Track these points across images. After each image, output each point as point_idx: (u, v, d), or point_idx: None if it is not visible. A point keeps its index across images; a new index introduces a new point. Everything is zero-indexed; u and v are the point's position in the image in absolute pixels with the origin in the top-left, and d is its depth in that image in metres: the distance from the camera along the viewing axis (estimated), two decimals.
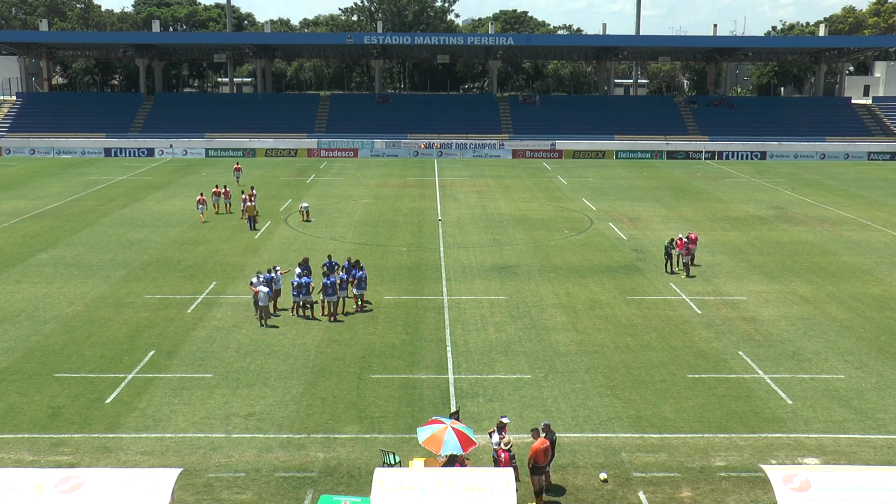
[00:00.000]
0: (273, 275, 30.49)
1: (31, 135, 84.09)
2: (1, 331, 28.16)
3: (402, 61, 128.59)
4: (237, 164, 69.06)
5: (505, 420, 18.43)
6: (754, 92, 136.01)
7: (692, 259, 36.62)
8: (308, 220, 47.89)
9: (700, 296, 33.00)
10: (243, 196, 49.34)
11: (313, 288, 29.95)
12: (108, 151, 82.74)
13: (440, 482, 14.00)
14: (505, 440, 18.02)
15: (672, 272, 36.39)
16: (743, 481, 18.57)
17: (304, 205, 49.35)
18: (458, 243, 42.50)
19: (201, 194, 49.82)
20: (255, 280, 29.69)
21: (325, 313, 29.66)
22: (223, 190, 51.53)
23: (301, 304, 29.81)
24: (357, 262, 31.57)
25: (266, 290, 28.78)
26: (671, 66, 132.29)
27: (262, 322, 28.73)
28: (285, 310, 30.22)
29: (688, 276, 35.82)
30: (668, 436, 20.75)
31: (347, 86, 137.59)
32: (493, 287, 34.10)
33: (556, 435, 18.77)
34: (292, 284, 29.86)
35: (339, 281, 29.58)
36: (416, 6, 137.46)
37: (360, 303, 30.73)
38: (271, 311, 29.59)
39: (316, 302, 30.13)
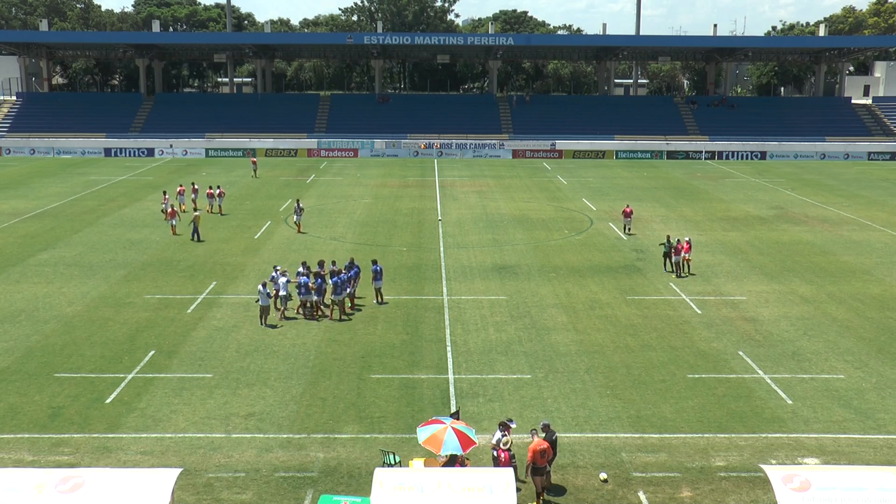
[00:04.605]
0: (274, 274, 30.47)
1: (31, 135, 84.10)
2: (1, 331, 28.16)
3: (402, 61, 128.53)
4: (253, 158, 71.73)
5: (512, 425, 18.41)
6: (754, 92, 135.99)
7: (682, 265, 36.27)
8: (302, 232, 44.57)
9: (700, 296, 33.00)
10: (210, 191, 50.60)
11: (317, 289, 29.83)
12: (108, 151, 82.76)
13: (440, 482, 13.99)
14: (505, 440, 18.03)
15: (670, 271, 36.43)
16: (743, 481, 18.57)
17: (299, 207, 45.26)
18: (458, 243, 42.50)
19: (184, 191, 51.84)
20: (285, 279, 29.86)
21: (328, 314, 29.74)
22: (217, 190, 51.58)
23: (302, 303, 29.80)
24: (351, 260, 31.86)
25: (264, 290, 28.74)
26: (671, 66, 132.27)
27: (262, 321, 28.73)
28: (295, 318, 29.99)
29: (678, 276, 35.85)
30: (668, 436, 20.75)
31: (347, 86, 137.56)
32: (493, 287, 34.10)
33: (557, 435, 18.76)
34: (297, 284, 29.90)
35: (340, 281, 29.66)
36: (416, 6, 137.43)
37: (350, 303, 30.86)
38: (273, 311, 29.43)
39: (326, 305, 30.19)
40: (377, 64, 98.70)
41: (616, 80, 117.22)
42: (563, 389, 23.51)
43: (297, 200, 47.30)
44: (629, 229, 45.37)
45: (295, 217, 45.32)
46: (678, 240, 36.88)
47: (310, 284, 29.64)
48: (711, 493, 18.09)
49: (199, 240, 42.30)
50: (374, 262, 31.85)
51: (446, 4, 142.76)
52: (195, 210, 45.25)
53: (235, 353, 26.20)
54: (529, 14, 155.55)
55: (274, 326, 28.68)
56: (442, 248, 41.27)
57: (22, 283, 34.31)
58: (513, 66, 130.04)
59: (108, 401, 22.47)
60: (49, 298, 31.99)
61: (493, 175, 70.22)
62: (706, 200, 57.18)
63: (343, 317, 29.69)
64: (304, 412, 21.90)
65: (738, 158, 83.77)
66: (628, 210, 45.70)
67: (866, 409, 22.47)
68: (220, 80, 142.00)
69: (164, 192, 50.66)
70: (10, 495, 13.60)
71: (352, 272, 30.82)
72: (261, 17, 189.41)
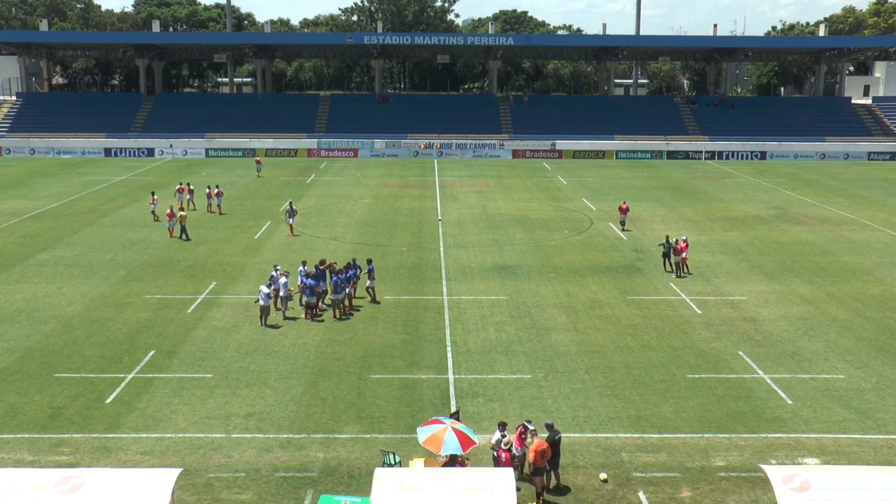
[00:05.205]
0: (274, 274, 30.48)
1: (31, 135, 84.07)
2: (1, 331, 28.16)
3: (402, 61, 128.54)
4: (257, 157, 72.21)
5: (530, 426, 18.32)
6: (754, 92, 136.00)
7: (683, 265, 36.28)
8: (294, 235, 43.81)
9: (700, 296, 33.00)
10: (207, 191, 51.44)
11: (312, 289, 29.85)
12: (108, 151, 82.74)
13: (440, 482, 13.99)
14: (506, 440, 18.03)
15: (670, 271, 36.42)
16: (743, 481, 18.57)
17: (291, 210, 44.28)
18: (458, 243, 42.50)
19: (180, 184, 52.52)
20: (303, 278, 30.08)
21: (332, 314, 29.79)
22: (216, 190, 51.68)
23: (307, 305, 29.73)
24: (353, 260, 31.89)
25: (266, 290, 28.71)
26: (671, 66, 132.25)
27: (263, 321, 28.70)
28: (295, 318, 30.06)
29: (678, 276, 35.85)
30: (668, 436, 20.75)
31: (347, 86, 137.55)
32: (493, 287, 34.09)
33: (561, 434, 18.65)
34: (302, 284, 29.85)
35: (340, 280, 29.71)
36: (416, 6, 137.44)
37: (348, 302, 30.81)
38: (274, 311, 29.37)
39: (328, 306, 30.18)
40: (377, 64, 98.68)
41: (616, 80, 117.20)
42: (563, 389, 23.51)
43: (291, 203, 46.55)
44: (625, 225, 46.24)
45: (289, 220, 44.26)
46: (676, 239, 36.89)
47: (316, 287, 29.57)
48: (711, 493, 18.09)
49: (187, 238, 42.33)
50: (369, 262, 31.93)
51: (446, 4, 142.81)
52: (181, 210, 45.04)
53: (235, 353, 26.20)
54: (529, 14, 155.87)
55: (274, 326, 28.68)
56: (442, 248, 41.27)
57: (22, 283, 34.31)
58: (513, 66, 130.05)
59: (108, 401, 22.47)
60: (49, 298, 31.99)
61: (493, 175, 70.22)
62: (706, 200, 57.18)
63: (343, 316, 29.71)
64: (304, 412, 21.90)
65: (738, 158, 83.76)
66: (624, 206, 46.78)
67: (866, 409, 22.47)
68: (220, 80, 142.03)
69: (153, 193, 50.21)
70: (10, 495, 13.60)
71: (351, 272, 30.83)
72: (261, 17, 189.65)
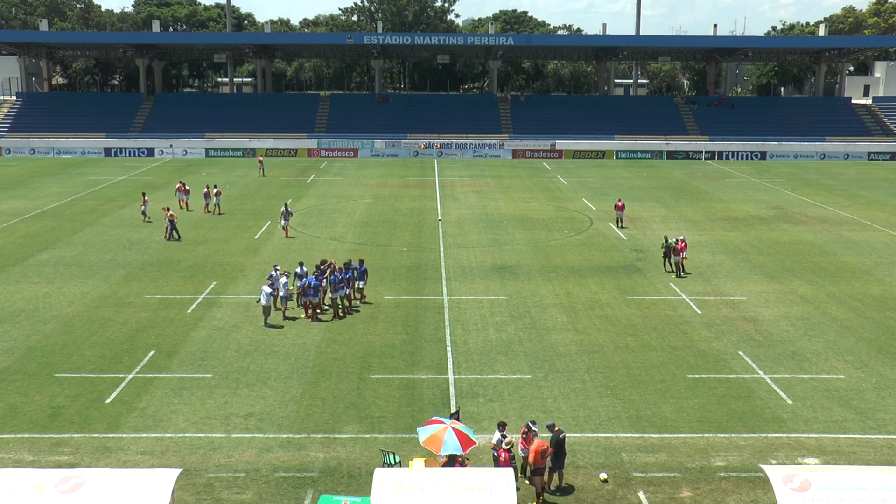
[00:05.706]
0: (273, 273, 30.47)
1: (31, 135, 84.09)
2: (1, 331, 28.15)
3: (402, 61, 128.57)
4: (260, 157, 72.40)
5: (534, 427, 18.32)
6: (754, 92, 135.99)
7: (680, 264, 36.29)
8: (288, 237, 43.42)
9: (700, 296, 33.00)
10: (206, 191, 51.58)
11: (313, 288, 29.86)
12: (108, 151, 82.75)
13: (440, 482, 14.00)
14: (507, 440, 18.02)
15: (671, 271, 36.42)
16: (743, 481, 18.57)
17: (287, 212, 43.89)
18: (458, 243, 42.50)
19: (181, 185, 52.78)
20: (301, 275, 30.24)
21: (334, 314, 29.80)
22: (214, 189, 51.77)
23: (310, 305, 29.68)
24: (350, 261, 31.78)
25: (269, 290, 28.70)
26: (671, 66, 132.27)
27: (265, 321, 28.69)
28: (295, 318, 30.05)
29: (678, 276, 35.84)
30: (668, 436, 20.75)
31: (347, 86, 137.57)
32: (493, 287, 34.10)
33: (565, 434, 18.59)
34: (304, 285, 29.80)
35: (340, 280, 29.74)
36: (416, 6, 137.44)
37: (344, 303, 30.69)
38: (273, 311, 29.36)
39: (329, 307, 30.14)
40: (377, 64, 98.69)
41: (616, 80, 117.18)
42: (563, 389, 23.51)
43: (286, 204, 45.71)
44: (622, 223, 46.67)
45: (283, 221, 43.78)
46: (676, 239, 36.88)
47: (321, 286, 29.54)
48: (711, 493, 18.09)
49: (176, 237, 42.30)
50: (361, 263, 31.85)
51: (446, 4, 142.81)
52: (168, 209, 44.75)
53: (235, 353, 26.20)
54: (529, 14, 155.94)
55: (274, 326, 28.68)
56: (442, 248, 41.27)
57: (22, 283, 34.30)
58: (513, 66, 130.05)
59: (108, 401, 22.47)
60: (49, 298, 31.99)
61: (493, 175, 70.22)
62: (706, 200, 57.18)
63: (343, 316, 29.70)
64: (304, 412, 21.90)
65: (738, 158, 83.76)
66: (620, 204, 47.58)
67: (866, 409, 22.47)
68: (220, 80, 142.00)
69: (144, 194, 49.84)
70: (10, 495, 13.60)
71: (349, 273, 30.78)
72: (261, 17, 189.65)
